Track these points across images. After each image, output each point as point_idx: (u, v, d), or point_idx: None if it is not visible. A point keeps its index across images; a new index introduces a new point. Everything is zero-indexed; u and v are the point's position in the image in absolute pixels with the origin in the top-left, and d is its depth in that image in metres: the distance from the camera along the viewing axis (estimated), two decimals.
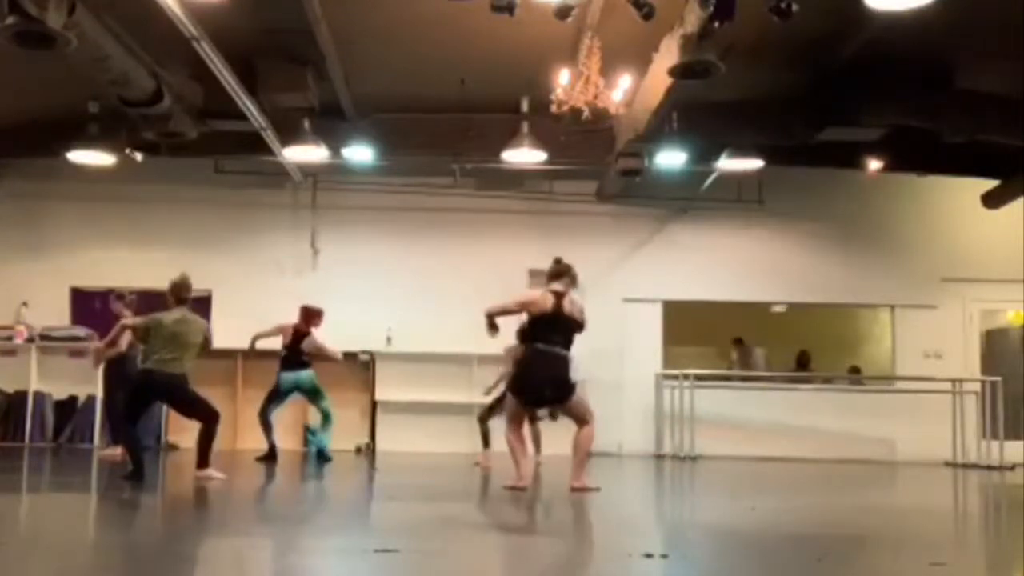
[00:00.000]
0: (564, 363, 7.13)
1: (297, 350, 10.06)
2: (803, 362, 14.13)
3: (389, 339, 12.27)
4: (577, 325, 7.19)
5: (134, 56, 8.53)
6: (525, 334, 7.51)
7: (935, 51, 8.93)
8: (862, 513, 7.15)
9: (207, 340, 7.76)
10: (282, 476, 9.07)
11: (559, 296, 7.12)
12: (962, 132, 10.07)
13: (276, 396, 10.08)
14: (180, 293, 7.65)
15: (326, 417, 10.16)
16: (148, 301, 9.23)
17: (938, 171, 11.86)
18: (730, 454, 11.94)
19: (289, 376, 10.01)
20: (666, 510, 7.73)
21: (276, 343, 10.23)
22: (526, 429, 7.78)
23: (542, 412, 8.84)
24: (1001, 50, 8.66)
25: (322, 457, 9.99)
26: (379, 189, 12.51)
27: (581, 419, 7.20)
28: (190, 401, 7.67)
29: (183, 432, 11.82)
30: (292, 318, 10.22)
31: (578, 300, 7.32)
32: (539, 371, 7.14)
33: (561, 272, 7.26)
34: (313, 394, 10.11)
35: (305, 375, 10.04)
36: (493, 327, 7.21)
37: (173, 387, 7.53)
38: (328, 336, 11.06)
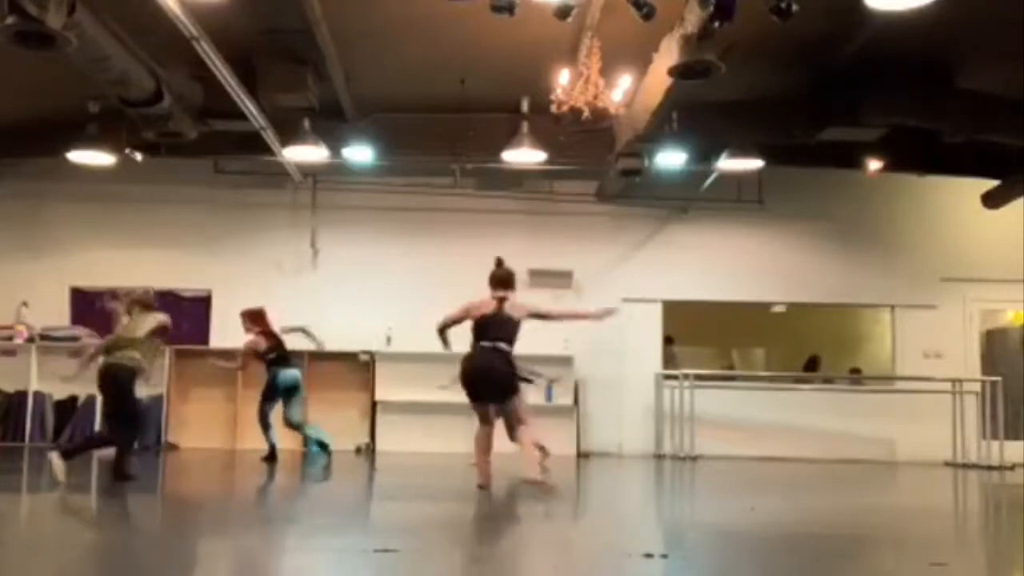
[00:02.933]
0: (505, 355, 7.24)
1: (283, 348, 10.13)
2: (812, 368, 14.02)
3: (389, 339, 12.25)
4: (516, 325, 7.32)
5: (134, 56, 8.52)
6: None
7: (936, 51, 8.93)
8: (862, 513, 7.15)
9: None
10: (282, 476, 9.06)
11: (501, 301, 7.32)
12: (962, 132, 10.07)
13: (273, 395, 10.11)
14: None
15: (303, 427, 10.26)
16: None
17: (938, 171, 11.84)
18: (730, 454, 11.93)
19: (290, 372, 10.10)
20: (666, 510, 7.73)
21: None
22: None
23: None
24: (1002, 49, 8.66)
25: (323, 448, 10.13)
26: (379, 189, 12.49)
27: (519, 420, 7.22)
28: None
29: (183, 432, 11.88)
30: (290, 319, 10.26)
31: (522, 303, 7.48)
32: (478, 361, 7.23)
33: (506, 280, 7.41)
34: (297, 392, 10.17)
35: (298, 372, 10.18)
36: (445, 341, 7.53)
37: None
38: (328, 336, 11.08)
